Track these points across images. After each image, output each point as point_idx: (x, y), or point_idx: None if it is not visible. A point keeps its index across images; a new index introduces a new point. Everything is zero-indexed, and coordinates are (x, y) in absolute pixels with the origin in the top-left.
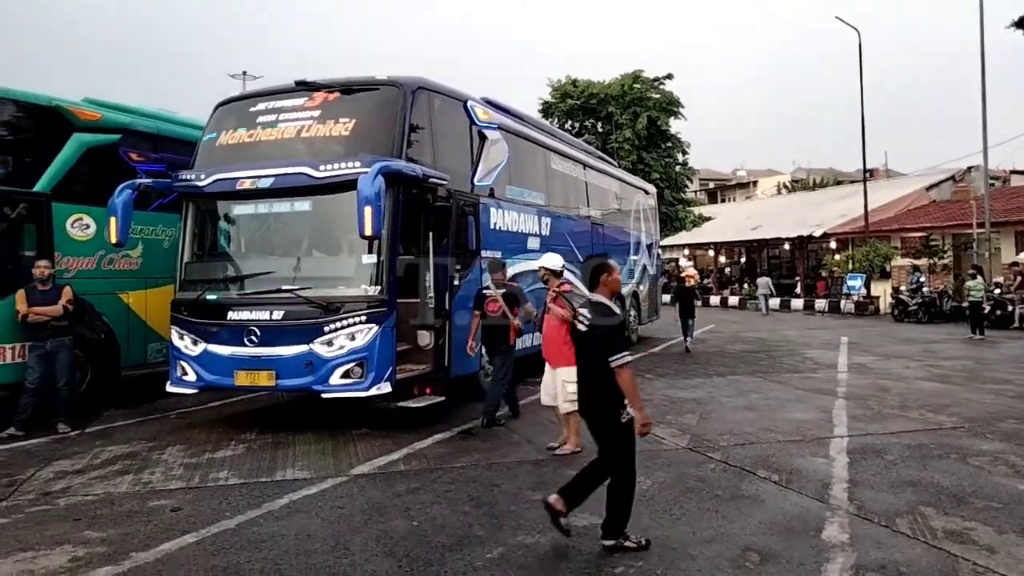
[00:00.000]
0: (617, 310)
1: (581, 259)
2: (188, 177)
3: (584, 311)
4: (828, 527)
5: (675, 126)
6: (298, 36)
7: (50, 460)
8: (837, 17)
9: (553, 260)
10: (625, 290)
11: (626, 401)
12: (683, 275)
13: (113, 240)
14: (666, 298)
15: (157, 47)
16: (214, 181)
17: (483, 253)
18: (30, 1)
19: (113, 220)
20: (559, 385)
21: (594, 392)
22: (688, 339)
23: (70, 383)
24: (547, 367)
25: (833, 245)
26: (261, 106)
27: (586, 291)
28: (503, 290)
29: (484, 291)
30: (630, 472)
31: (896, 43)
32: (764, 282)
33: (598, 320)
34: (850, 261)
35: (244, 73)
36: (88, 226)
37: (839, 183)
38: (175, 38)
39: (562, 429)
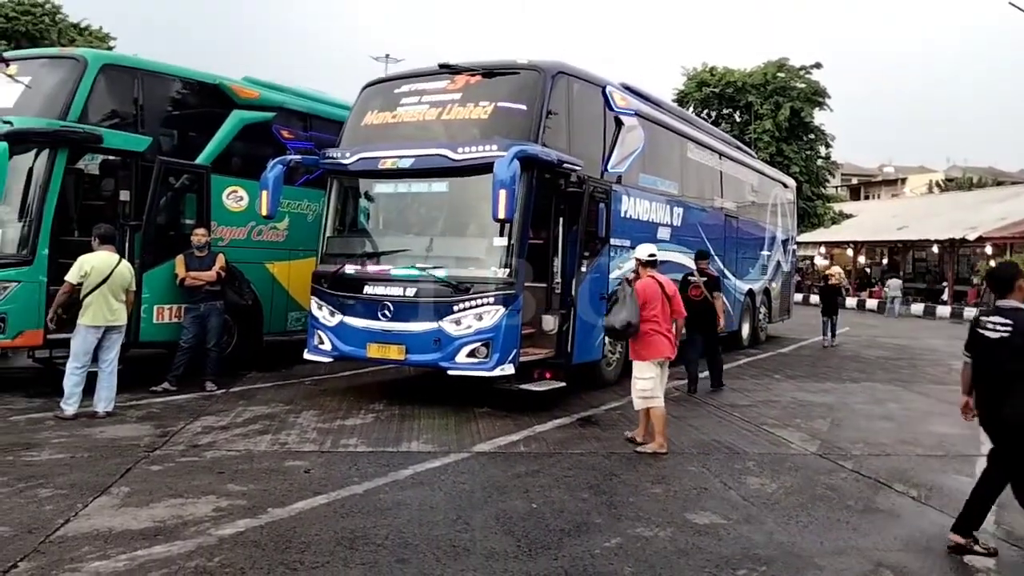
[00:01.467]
0: None
1: (712, 251)
2: (334, 155)
3: (996, 318)
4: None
5: (819, 118)
6: (439, 19)
7: (198, 415)
8: (1010, 2)
9: (643, 250)
10: (756, 286)
11: None
12: (827, 273)
13: (264, 212)
14: (798, 297)
15: (304, 32)
16: (357, 160)
17: (612, 241)
18: None
19: (264, 193)
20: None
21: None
22: (828, 337)
23: (219, 345)
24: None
25: (989, 250)
26: (405, 88)
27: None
28: (705, 278)
29: (689, 278)
30: None
31: None
32: (895, 284)
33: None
34: None
35: (387, 56)
36: (242, 198)
37: (999, 183)
38: (317, 22)
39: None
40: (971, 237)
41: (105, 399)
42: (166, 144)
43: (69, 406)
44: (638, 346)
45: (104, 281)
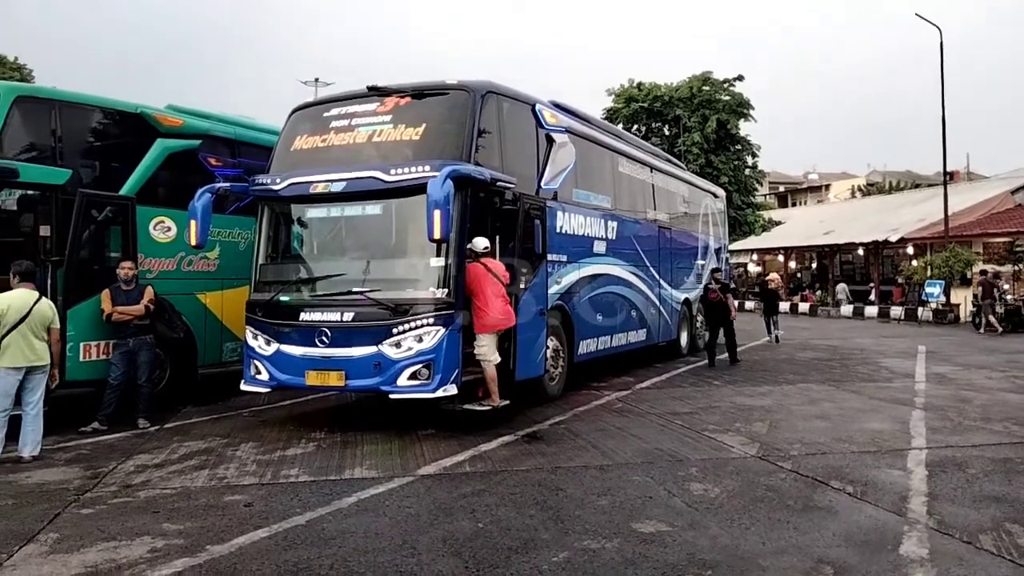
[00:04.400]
0: None
1: (647, 263)
2: (264, 181)
3: None
4: (906, 542)
5: (744, 128)
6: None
7: (131, 454)
8: (917, 14)
9: (479, 243)
10: (692, 295)
11: None
12: (767, 279)
13: (193, 242)
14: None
15: (233, 56)
16: (288, 185)
17: (549, 256)
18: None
19: (193, 223)
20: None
21: None
22: (772, 335)
23: (151, 380)
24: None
25: (910, 251)
26: (335, 111)
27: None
28: (719, 285)
29: (708, 286)
30: None
31: (981, 40)
32: (842, 288)
33: None
34: (928, 267)
35: (316, 80)
36: (169, 228)
37: (916, 186)
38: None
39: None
40: (893, 239)
41: (31, 443)
42: (88, 176)
43: None
44: (475, 320)
45: (23, 320)
